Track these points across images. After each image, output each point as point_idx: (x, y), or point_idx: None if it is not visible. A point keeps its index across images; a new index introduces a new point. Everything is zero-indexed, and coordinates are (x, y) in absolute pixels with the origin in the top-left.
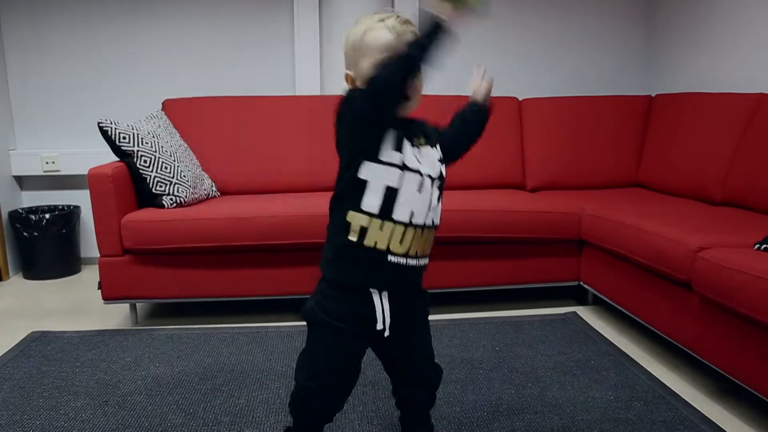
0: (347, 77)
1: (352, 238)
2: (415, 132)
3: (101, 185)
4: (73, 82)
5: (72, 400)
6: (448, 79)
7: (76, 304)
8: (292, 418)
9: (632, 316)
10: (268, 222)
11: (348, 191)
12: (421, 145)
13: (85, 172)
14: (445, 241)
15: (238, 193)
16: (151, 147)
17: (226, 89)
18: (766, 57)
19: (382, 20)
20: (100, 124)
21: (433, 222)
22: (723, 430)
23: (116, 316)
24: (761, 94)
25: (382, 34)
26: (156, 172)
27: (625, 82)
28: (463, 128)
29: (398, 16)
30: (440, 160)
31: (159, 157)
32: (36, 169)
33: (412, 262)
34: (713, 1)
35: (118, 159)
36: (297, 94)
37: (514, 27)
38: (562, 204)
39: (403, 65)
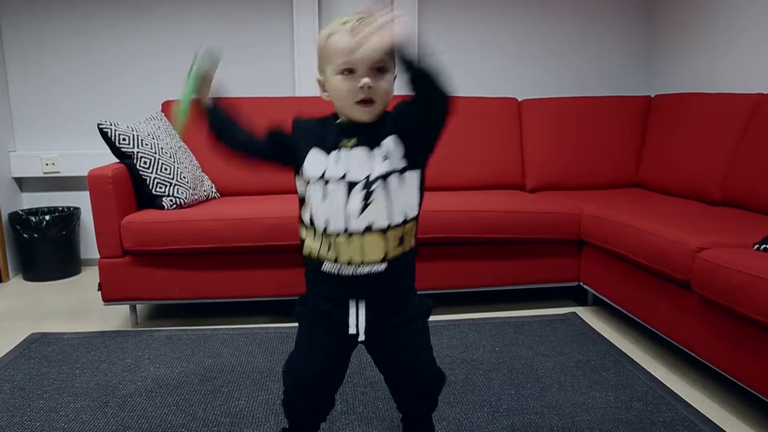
0: (318, 82)
1: (303, 250)
2: (349, 135)
3: (101, 187)
4: (72, 83)
5: (72, 402)
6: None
7: (76, 306)
8: (286, 417)
9: (632, 316)
10: (267, 223)
11: (300, 206)
12: (350, 147)
13: (85, 174)
14: (445, 242)
15: (237, 194)
16: (151, 148)
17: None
18: (766, 57)
19: (345, 22)
20: (100, 126)
21: (369, 227)
22: (723, 430)
23: (116, 317)
24: (761, 94)
25: (340, 38)
26: (156, 173)
27: (625, 82)
28: (412, 109)
29: (361, 18)
30: (385, 157)
31: (159, 159)
32: (36, 171)
33: (347, 270)
34: (713, 1)
35: (117, 160)
36: (296, 95)
37: (514, 28)
38: (562, 204)
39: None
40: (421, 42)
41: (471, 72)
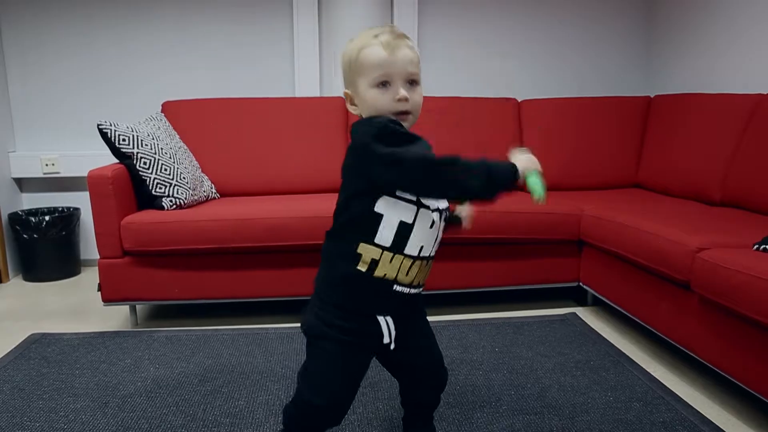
0: (346, 96)
1: (361, 268)
2: None
3: (101, 187)
4: (72, 84)
5: (72, 402)
6: (447, 79)
7: (75, 306)
8: (283, 427)
9: (632, 316)
10: (267, 224)
11: (361, 222)
12: None
13: (85, 174)
14: (445, 243)
15: (237, 194)
16: (151, 149)
17: (225, 91)
18: (765, 58)
19: (376, 36)
20: (100, 126)
21: (434, 253)
22: (722, 430)
23: (116, 317)
24: (760, 94)
25: (376, 51)
26: (155, 173)
27: (625, 82)
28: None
29: (392, 31)
30: None
31: (158, 159)
32: (36, 171)
33: (414, 291)
34: (712, 2)
35: (117, 161)
36: (296, 95)
37: (514, 28)
38: (562, 205)
39: (461, 181)
40: None
41: (471, 72)
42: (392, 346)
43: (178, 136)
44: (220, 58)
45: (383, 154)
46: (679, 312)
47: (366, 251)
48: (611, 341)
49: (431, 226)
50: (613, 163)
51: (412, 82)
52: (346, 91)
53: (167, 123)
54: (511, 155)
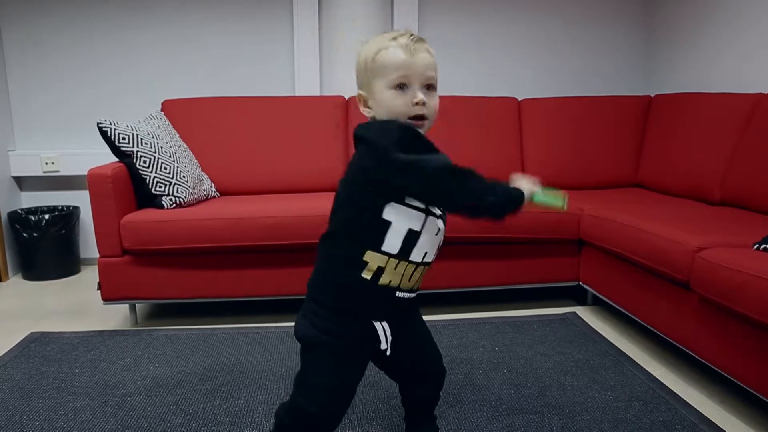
0: (359, 97)
1: (366, 276)
2: None
3: (101, 186)
4: (72, 82)
5: (71, 401)
6: (447, 79)
7: (75, 305)
8: (275, 429)
9: (631, 316)
10: (267, 222)
11: (368, 229)
12: None
13: (85, 173)
14: (444, 242)
15: (237, 193)
16: (151, 147)
17: (225, 90)
18: (765, 57)
19: (395, 38)
20: (100, 125)
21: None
22: (722, 430)
23: (116, 316)
24: (760, 94)
25: (395, 52)
26: (155, 172)
27: (625, 82)
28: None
29: (411, 34)
30: None
31: (158, 158)
32: (35, 170)
33: (413, 294)
34: (712, 2)
35: (117, 160)
36: (296, 94)
37: (513, 27)
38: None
39: (479, 196)
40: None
41: (470, 72)
42: (388, 352)
43: (177, 135)
44: (220, 56)
45: (406, 160)
46: (679, 311)
47: (372, 259)
48: (611, 341)
49: (437, 233)
50: (613, 163)
51: (429, 87)
52: (360, 92)
53: (167, 122)
54: (513, 180)
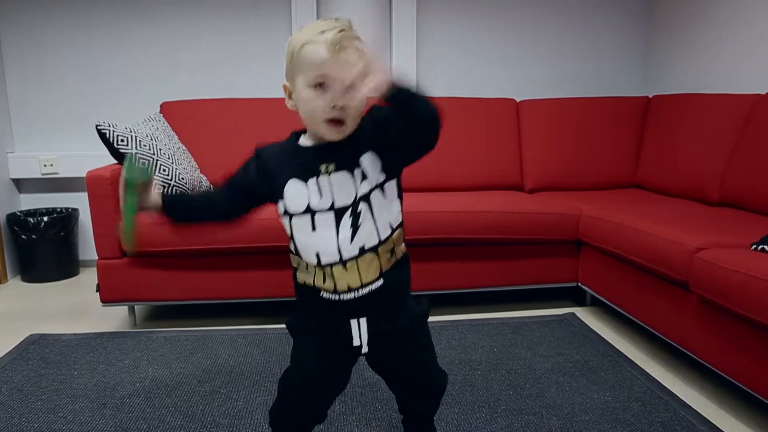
0: (285, 89)
1: (295, 277)
2: (326, 158)
3: (99, 187)
4: (71, 84)
5: (70, 403)
6: (445, 79)
7: (74, 307)
8: (271, 428)
9: (630, 317)
10: (265, 224)
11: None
12: (330, 172)
13: (84, 175)
14: (443, 243)
15: None
16: (149, 149)
17: (224, 91)
18: (764, 58)
19: (323, 32)
20: (98, 127)
21: (362, 249)
22: (721, 430)
23: (114, 318)
24: (758, 95)
25: (318, 49)
26: (154, 174)
27: (623, 83)
28: (399, 133)
29: (341, 29)
30: (364, 176)
31: (157, 160)
32: (34, 172)
33: (347, 296)
34: (710, 2)
35: (116, 161)
36: None
37: (512, 28)
38: (560, 205)
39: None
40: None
41: (469, 72)
42: (364, 350)
43: (176, 137)
44: (218, 58)
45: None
46: (678, 312)
47: (291, 260)
48: (610, 341)
49: (314, 231)
50: (611, 164)
51: (352, 86)
52: (286, 84)
53: (166, 124)
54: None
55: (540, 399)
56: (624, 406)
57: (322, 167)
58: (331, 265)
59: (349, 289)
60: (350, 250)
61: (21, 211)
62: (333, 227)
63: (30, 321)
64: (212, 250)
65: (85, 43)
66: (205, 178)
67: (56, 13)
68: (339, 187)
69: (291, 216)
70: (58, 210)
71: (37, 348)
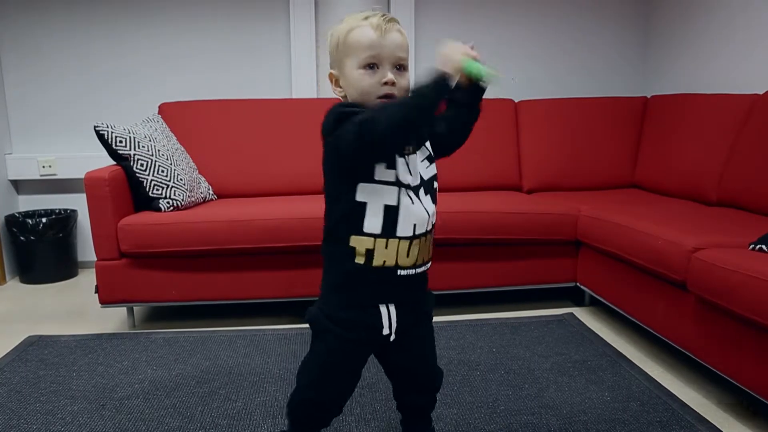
0: (330, 76)
1: (359, 261)
2: None
3: (98, 189)
4: (69, 85)
5: (69, 404)
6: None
7: (73, 308)
8: (288, 420)
9: (628, 316)
10: (264, 225)
11: (348, 215)
12: (409, 153)
13: (82, 176)
14: (442, 243)
15: (234, 196)
16: (148, 150)
17: (222, 92)
18: (761, 58)
19: (367, 18)
20: (97, 128)
21: (433, 225)
22: (719, 430)
23: (113, 319)
24: (756, 95)
25: (366, 32)
26: (153, 175)
27: (621, 83)
28: (455, 117)
29: (383, 15)
30: (430, 158)
31: (156, 161)
32: (32, 173)
33: (420, 270)
34: (708, 2)
35: (114, 163)
36: (293, 96)
37: (510, 29)
38: (559, 205)
39: (404, 113)
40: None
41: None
42: (392, 338)
43: (175, 138)
44: (217, 59)
45: (350, 126)
46: (676, 312)
47: (359, 243)
48: (608, 341)
49: (414, 203)
50: (609, 164)
51: (401, 67)
52: (332, 71)
53: (164, 125)
54: (440, 47)
55: (539, 399)
56: (623, 405)
57: (405, 149)
58: (419, 237)
59: (421, 264)
60: (428, 226)
61: (19, 213)
62: (424, 201)
63: (28, 322)
64: (212, 250)
65: (83, 44)
66: (203, 178)
67: (54, 15)
68: (417, 166)
69: (398, 185)
70: (57, 211)
71: (35, 349)
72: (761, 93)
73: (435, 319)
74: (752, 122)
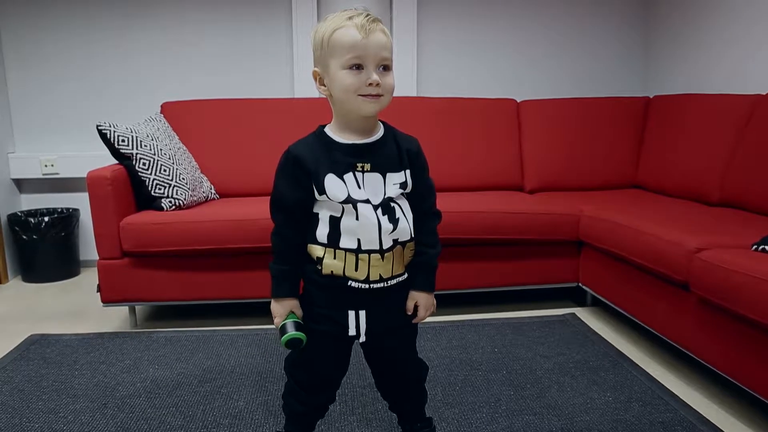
0: (314, 74)
1: (315, 267)
2: (362, 157)
3: (100, 188)
4: (71, 85)
5: (71, 403)
6: (446, 80)
7: (75, 307)
8: (284, 413)
9: (630, 317)
10: (266, 224)
11: (311, 224)
12: (366, 171)
13: (84, 175)
14: (444, 243)
15: (236, 195)
16: (150, 150)
17: (224, 92)
18: (763, 58)
19: (350, 18)
20: (99, 127)
21: (395, 242)
22: (721, 430)
23: (115, 318)
24: (758, 95)
25: (350, 32)
26: (155, 174)
27: (623, 83)
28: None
29: (367, 15)
30: (403, 186)
31: (158, 160)
32: (35, 172)
33: (377, 285)
34: (710, 2)
35: (116, 162)
36: (295, 96)
37: (512, 29)
38: (561, 205)
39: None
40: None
41: (469, 73)
42: (361, 339)
43: (177, 137)
44: (219, 59)
45: (271, 210)
46: (678, 312)
47: (312, 250)
48: (610, 341)
49: (358, 218)
50: (611, 164)
51: (385, 67)
52: (316, 69)
53: (166, 124)
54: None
55: (541, 399)
56: (625, 406)
57: (359, 165)
58: (368, 252)
59: (381, 279)
60: (387, 242)
61: (22, 212)
62: (374, 218)
63: (31, 321)
64: (214, 250)
65: (85, 43)
66: (205, 178)
67: (57, 14)
68: (373, 183)
69: (337, 203)
70: (59, 210)
71: (37, 348)
72: (763, 93)
73: (437, 318)
74: (754, 122)
